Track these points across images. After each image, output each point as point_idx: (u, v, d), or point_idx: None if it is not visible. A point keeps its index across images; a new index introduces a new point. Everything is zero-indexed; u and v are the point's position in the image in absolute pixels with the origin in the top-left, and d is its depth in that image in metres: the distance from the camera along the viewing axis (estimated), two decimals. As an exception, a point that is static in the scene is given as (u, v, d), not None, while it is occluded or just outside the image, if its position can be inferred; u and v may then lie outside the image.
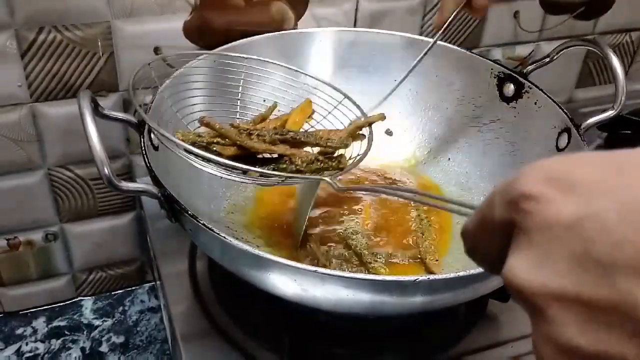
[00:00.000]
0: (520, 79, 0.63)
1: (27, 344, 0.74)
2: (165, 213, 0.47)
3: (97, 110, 0.47)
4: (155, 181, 0.47)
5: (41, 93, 0.63)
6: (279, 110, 0.59)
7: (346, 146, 0.53)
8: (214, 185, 0.63)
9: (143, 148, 0.50)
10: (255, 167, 0.49)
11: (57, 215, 0.71)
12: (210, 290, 0.60)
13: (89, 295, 0.78)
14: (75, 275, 0.76)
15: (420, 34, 0.75)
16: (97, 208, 0.72)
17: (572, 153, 0.24)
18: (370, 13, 0.72)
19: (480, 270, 0.42)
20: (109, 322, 0.77)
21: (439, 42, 0.68)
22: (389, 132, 0.69)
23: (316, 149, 0.53)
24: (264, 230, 0.60)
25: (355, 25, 0.72)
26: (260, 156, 0.52)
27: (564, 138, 0.57)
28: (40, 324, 0.75)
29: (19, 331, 0.74)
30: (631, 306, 0.19)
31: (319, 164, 0.51)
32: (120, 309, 0.78)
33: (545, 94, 0.61)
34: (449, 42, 0.75)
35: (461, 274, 0.42)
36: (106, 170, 0.42)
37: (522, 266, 0.22)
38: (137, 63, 0.63)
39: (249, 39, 0.64)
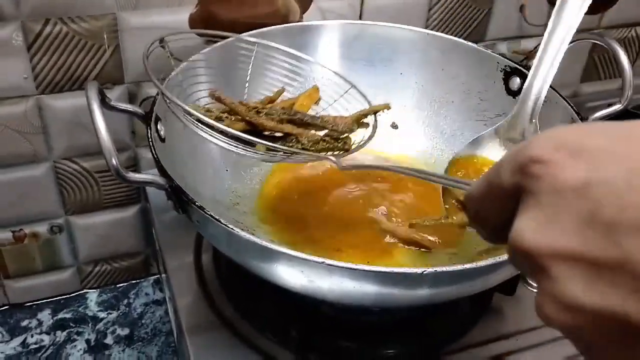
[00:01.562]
0: (527, 72, 0.63)
1: (32, 336, 0.74)
2: (173, 204, 0.47)
3: (104, 102, 0.47)
4: (163, 172, 0.47)
5: (47, 85, 0.63)
6: (284, 97, 0.59)
7: (351, 131, 0.54)
8: (221, 177, 0.63)
9: (150, 139, 0.50)
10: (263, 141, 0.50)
11: (63, 208, 0.71)
12: (216, 282, 0.60)
13: (94, 288, 0.78)
14: (80, 267, 0.76)
15: (426, 27, 0.75)
16: (102, 200, 0.72)
17: (582, 123, 0.24)
18: (376, 6, 0.71)
19: (488, 262, 0.42)
20: (114, 314, 0.77)
21: (445, 35, 0.68)
22: (394, 126, 0.69)
23: (322, 133, 0.54)
24: (270, 221, 0.61)
25: (360, 18, 0.72)
26: (267, 134, 0.52)
27: (571, 132, 0.57)
28: (45, 316, 0.75)
29: (24, 323, 0.74)
30: (634, 264, 0.20)
31: (324, 144, 0.52)
32: (125, 301, 0.78)
33: (552, 87, 0.60)
34: (455, 36, 0.75)
35: (468, 266, 0.42)
36: (114, 161, 0.42)
37: (529, 227, 0.23)
38: (142, 55, 0.64)
39: (254, 31, 0.64)
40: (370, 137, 0.53)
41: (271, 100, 0.57)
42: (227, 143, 0.49)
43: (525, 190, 0.24)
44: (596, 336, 0.22)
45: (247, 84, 0.60)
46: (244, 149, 0.49)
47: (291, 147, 0.50)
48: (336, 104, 0.58)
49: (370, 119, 0.55)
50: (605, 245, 0.21)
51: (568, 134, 0.23)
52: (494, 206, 0.27)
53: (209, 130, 0.48)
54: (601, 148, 0.22)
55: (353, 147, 0.53)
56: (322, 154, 0.51)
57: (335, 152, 0.52)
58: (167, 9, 0.63)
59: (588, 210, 0.21)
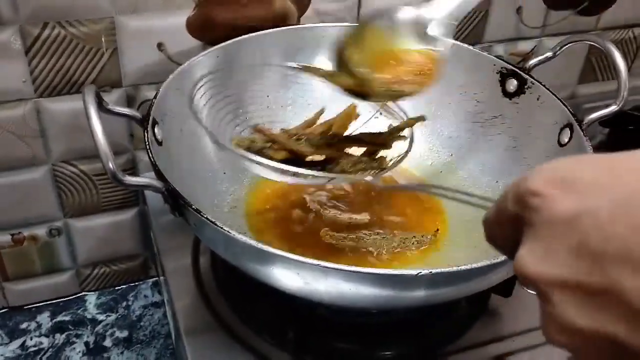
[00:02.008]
0: (523, 74, 0.63)
1: (31, 339, 0.74)
2: (169, 207, 0.48)
3: (101, 106, 0.47)
4: (159, 176, 0.47)
5: (45, 88, 0.63)
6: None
7: (389, 145, 0.56)
8: (218, 180, 0.63)
9: (147, 143, 0.50)
10: (303, 168, 0.52)
11: (61, 211, 0.71)
12: (213, 285, 0.60)
13: (93, 290, 0.78)
14: (79, 270, 0.76)
15: (423, 30, 0.75)
16: (100, 203, 0.72)
17: (578, 155, 0.27)
18: (373, 8, 0.72)
19: (482, 263, 0.43)
20: (113, 317, 0.77)
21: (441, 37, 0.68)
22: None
23: (360, 151, 0.56)
24: (267, 224, 0.61)
25: (358, 20, 0.72)
26: (309, 159, 0.54)
27: (566, 133, 0.58)
28: (44, 318, 0.75)
29: (24, 326, 0.74)
30: (619, 291, 0.22)
31: (362, 165, 0.54)
32: (124, 304, 0.78)
33: (548, 89, 0.61)
34: (452, 38, 0.75)
35: (463, 267, 0.42)
36: (110, 165, 0.43)
37: (529, 257, 0.25)
38: (140, 59, 0.64)
39: (252, 34, 0.64)
40: (407, 152, 0.55)
41: (310, 124, 0.58)
42: (272, 174, 0.51)
43: (525, 221, 0.26)
44: (593, 355, 0.24)
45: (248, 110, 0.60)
46: (289, 177, 0.51)
47: (331, 170, 0.53)
48: (372, 121, 0.59)
49: (407, 132, 0.57)
50: (593, 273, 0.23)
51: (563, 167, 0.26)
52: (502, 231, 0.29)
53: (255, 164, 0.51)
54: (589, 181, 0.25)
55: (389, 164, 0.55)
56: (360, 174, 0.54)
57: (373, 172, 0.54)
58: (165, 12, 0.63)
59: (577, 241, 0.24)
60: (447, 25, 0.54)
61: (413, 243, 0.60)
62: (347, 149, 0.56)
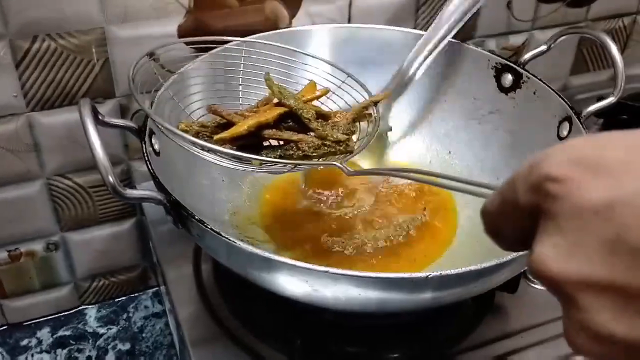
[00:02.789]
0: (518, 69, 0.63)
1: (32, 355, 0.73)
2: (172, 219, 0.47)
3: (97, 118, 0.46)
4: (160, 187, 0.46)
5: (37, 102, 0.62)
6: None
7: (352, 133, 0.52)
8: (216, 188, 0.62)
9: (145, 154, 0.49)
10: (262, 154, 0.49)
11: (58, 225, 0.70)
12: (216, 293, 0.59)
13: (93, 304, 0.77)
14: (78, 283, 0.75)
15: (415, 27, 0.75)
16: (97, 215, 0.71)
17: (599, 133, 0.23)
18: (365, 8, 0.71)
19: (490, 263, 0.42)
20: (114, 329, 0.76)
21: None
22: (388, 128, 0.69)
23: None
24: (269, 229, 0.60)
25: (349, 21, 0.72)
26: (266, 143, 0.51)
27: (565, 127, 0.57)
28: (44, 334, 0.74)
29: (24, 342, 0.74)
30: None
31: (326, 148, 0.50)
32: (125, 315, 0.77)
33: (544, 83, 0.61)
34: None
35: (472, 268, 0.42)
36: (111, 179, 0.42)
37: (552, 254, 0.22)
38: (128, 78, 0.63)
39: (244, 38, 0.64)
40: (373, 133, 0.52)
41: (267, 102, 0.56)
42: (225, 162, 0.48)
43: (544, 211, 0.23)
44: None
45: (240, 88, 0.59)
46: (243, 165, 0.48)
47: (291, 155, 0.49)
48: (336, 98, 0.57)
49: (372, 110, 0.54)
50: (633, 273, 0.20)
51: (584, 147, 0.22)
52: (509, 223, 0.26)
53: (205, 151, 0.48)
54: (622, 162, 0.21)
55: (356, 147, 0.52)
56: (325, 159, 0.50)
57: (338, 156, 0.51)
58: (156, 20, 0.62)
59: (613, 235, 0.20)
60: None
61: (406, 228, 0.60)
62: (308, 131, 0.51)
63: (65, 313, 0.76)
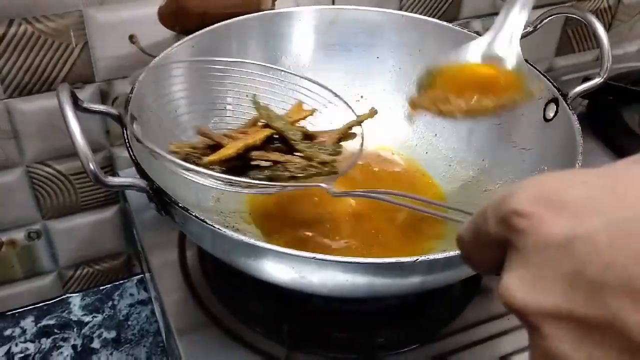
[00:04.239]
0: (504, 50, 0.62)
1: (16, 345, 0.72)
2: (155, 206, 0.46)
3: (77, 104, 0.45)
4: (143, 174, 0.46)
5: (15, 88, 0.61)
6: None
7: (338, 154, 0.53)
8: (200, 173, 0.61)
9: (127, 141, 0.48)
10: (249, 175, 0.51)
11: (39, 213, 0.69)
12: (202, 279, 0.59)
13: (77, 292, 0.76)
14: (61, 272, 0.74)
15: (400, 9, 0.74)
16: (79, 203, 0.70)
17: (566, 170, 0.25)
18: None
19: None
20: (99, 317, 0.75)
21: (420, 16, 0.67)
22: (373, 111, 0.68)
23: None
24: (254, 214, 0.60)
25: (334, 3, 0.71)
26: (255, 163, 0.52)
27: (552, 108, 0.57)
28: (28, 323, 0.74)
29: (8, 332, 0.73)
30: (620, 325, 0.20)
31: (312, 169, 0.52)
32: (110, 303, 0.76)
33: (531, 64, 0.60)
34: (430, 15, 0.74)
35: (459, 252, 0.41)
36: (92, 166, 0.41)
37: (516, 286, 0.23)
38: (112, 52, 0.62)
39: (226, 21, 0.63)
40: (358, 155, 0.53)
41: (255, 122, 0.56)
42: (216, 184, 0.49)
43: (510, 243, 0.24)
44: None
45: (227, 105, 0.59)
46: (233, 188, 0.50)
47: (279, 176, 0.51)
48: (321, 117, 0.57)
49: (357, 129, 0.55)
50: (592, 305, 0.21)
51: (549, 184, 0.23)
52: (481, 252, 0.27)
53: (195, 174, 0.49)
54: (583, 200, 0.22)
55: (341, 167, 0.53)
56: (311, 179, 0.52)
57: (324, 177, 0.52)
58: (135, 3, 0.61)
59: (572, 269, 0.21)
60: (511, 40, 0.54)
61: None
62: (295, 152, 0.53)
63: (49, 302, 0.75)
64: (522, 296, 0.22)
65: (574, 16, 0.59)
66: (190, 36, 0.61)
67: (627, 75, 0.85)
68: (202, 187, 0.60)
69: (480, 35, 0.64)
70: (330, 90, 0.57)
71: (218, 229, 0.42)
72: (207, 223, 0.42)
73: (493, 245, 0.25)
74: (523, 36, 0.63)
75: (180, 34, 0.64)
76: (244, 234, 0.42)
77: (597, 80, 0.57)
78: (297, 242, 0.57)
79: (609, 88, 0.80)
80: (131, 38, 0.63)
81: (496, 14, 0.80)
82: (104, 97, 0.65)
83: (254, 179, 0.50)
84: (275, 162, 0.52)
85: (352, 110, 0.56)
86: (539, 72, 0.59)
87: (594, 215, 0.22)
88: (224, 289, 0.58)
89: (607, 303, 0.20)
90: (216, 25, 0.62)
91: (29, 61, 0.60)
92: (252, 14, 0.64)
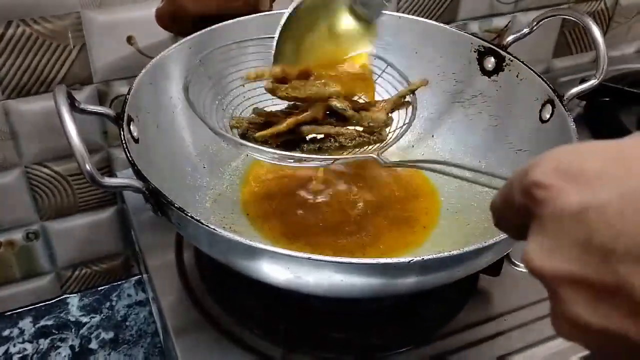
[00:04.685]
0: (501, 52, 0.62)
1: (14, 346, 0.73)
2: (151, 207, 0.46)
3: (74, 106, 0.45)
4: (139, 175, 0.46)
5: (13, 89, 0.61)
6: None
7: (387, 125, 0.54)
8: (198, 175, 0.62)
9: (124, 142, 0.48)
10: (303, 147, 0.52)
11: (37, 214, 0.69)
12: (199, 280, 0.59)
13: (75, 293, 0.76)
14: (59, 273, 0.74)
15: (397, 10, 0.74)
16: (77, 204, 0.70)
17: (584, 142, 0.26)
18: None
19: (473, 247, 0.42)
20: (97, 318, 0.76)
21: (417, 18, 0.67)
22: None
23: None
24: (251, 215, 0.60)
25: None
26: (309, 137, 0.53)
27: (548, 109, 0.57)
28: (26, 324, 0.74)
29: (6, 333, 0.73)
30: (629, 289, 0.22)
31: (361, 139, 0.53)
32: (108, 304, 0.77)
33: (527, 66, 0.60)
34: (427, 18, 0.75)
35: (454, 252, 0.42)
36: (88, 167, 0.41)
37: (536, 252, 0.25)
38: (110, 54, 0.63)
39: (224, 23, 0.63)
40: (410, 122, 0.54)
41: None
42: (269, 158, 0.51)
43: (532, 213, 0.26)
44: (608, 350, 0.24)
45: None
46: (285, 162, 0.52)
47: (329, 147, 0.52)
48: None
49: (409, 98, 0.55)
50: (602, 270, 0.22)
51: (567, 157, 0.25)
52: (510, 219, 0.29)
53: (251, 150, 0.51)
54: (596, 172, 0.24)
55: (390, 136, 0.54)
56: (362, 150, 0.52)
57: (373, 146, 0.53)
58: (133, 4, 0.61)
59: (585, 237, 0.23)
60: None
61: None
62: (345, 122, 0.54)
63: (47, 302, 0.75)
64: (541, 262, 0.24)
65: (571, 18, 0.59)
66: (188, 37, 0.61)
67: (624, 77, 0.85)
68: (199, 188, 0.61)
69: (477, 37, 0.64)
70: (383, 59, 0.58)
71: (213, 229, 0.42)
72: (202, 224, 0.42)
73: (518, 213, 0.27)
74: (520, 38, 0.64)
75: (178, 35, 0.64)
76: (240, 235, 0.42)
77: (593, 82, 0.57)
78: (294, 242, 0.57)
79: (606, 89, 0.81)
80: (129, 39, 0.63)
81: (493, 15, 0.81)
82: (101, 98, 0.65)
83: (304, 152, 0.52)
84: (327, 135, 0.53)
85: (404, 77, 0.57)
86: (536, 73, 0.59)
87: (606, 186, 0.23)
88: (221, 289, 0.58)
89: (616, 269, 0.22)
90: (214, 26, 0.62)
91: (27, 62, 0.60)
92: (249, 16, 0.64)
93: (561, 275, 0.24)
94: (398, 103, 0.56)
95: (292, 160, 0.51)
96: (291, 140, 0.53)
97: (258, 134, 0.52)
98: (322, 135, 0.53)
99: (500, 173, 0.41)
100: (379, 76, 0.59)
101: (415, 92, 0.56)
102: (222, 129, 0.52)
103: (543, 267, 0.24)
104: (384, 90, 0.59)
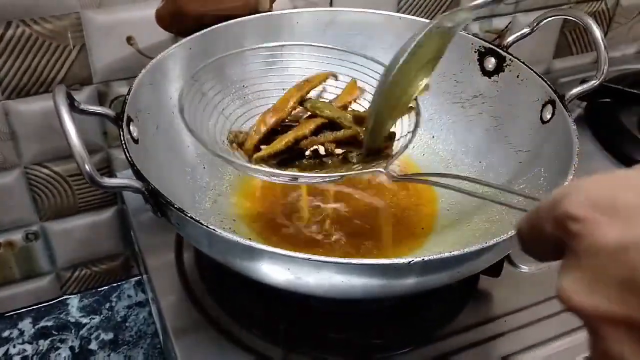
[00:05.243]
0: (501, 52, 0.62)
1: (14, 346, 0.72)
2: (151, 207, 0.46)
3: (73, 106, 0.45)
4: (139, 176, 0.46)
5: (13, 90, 0.61)
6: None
7: (391, 139, 0.53)
8: (197, 175, 0.62)
9: (123, 142, 0.48)
10: (302, 161, 0.52)
11: (37, 214, 0.69)
12: (199, 281, 0.59)
13: (75, 293, 0.76)
14: (59, 273, 0.74)
15: (398, 11, 0.74)
16: (77, 204, 0.70)
17: (614, 172, 0.25)
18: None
19: (473, 248, 0.42)
20: (97, 319, 0.75)
21: (417, 18, 0.67)
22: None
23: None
24: (251, 216, 0.60)
25: (331, 5, 0.71)
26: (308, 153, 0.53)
27: (549, 110, 0.57)
28: (26, 325, 0.74)
29: (5, 334, 0.73)
30: None
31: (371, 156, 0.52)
32: (107, 305, 0.76)
33: (528, 66, 0.60)
34: (427, 18, 0.75)
35: (454, 252, 0.41)
36: (87, 168, 0.41)
37: (573, 288, 0.24)
38: (110, 54, 0.62)
39: (224, 23, 0.63)
40: (414, 132, 0.52)
41: (309, 86, 0.57)
42: (275, 179, 0.51)
43: (566, 245, 0.25)
44: None
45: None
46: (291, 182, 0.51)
47: (331, 162, 0.52)
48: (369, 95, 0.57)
49: (413, 104, 0.54)
50: None
51: (601, 188, 0.24)
52: (539, 246, 0.28)
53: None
54: (633, 206, 0.23)
55: (394, 150, 0.52)
56: (369, 165, 0.51)
57: (379, 162, 0.51)
58: (133, 4, 0.61)
59: (626, 275, 0.22)
60: None
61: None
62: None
63: (47, 303, 0.75)
64: (579, 298, 0.24)
65: (571, 18, 0.59)
66: (188, 38, 0.61)
67: (625, 77, 0.85)
68: (199, 188, 0.60)
69: (477, 38, 0.64)
70: (382, 64, 0.56)
71: (213, 229, 0.42)
72: (202, 224, 0.42)
73: (550, 242, 0.26)
74: (520, 38, 0.64)
75: (178, 35, 0.64)
76: (240, 236, 0.42)
77: (593, 83, 0.57)
78: (293, 243, 0.57)
79: (607, 90, 0.80)
80: (129, 40, 0.63)
81: (494, 16, 0.81)
82: (101, 99, 0.65)
83: (305, 168, 0.51)
84: (327, 153, 0.53)
85: None
86: (536, 73, 0.59)
87: None
88: (221, 290, 0.58)
89: None
90: (214, 27, 0.62)
91: (26, 63, 0.60)
92: (249, 16, 0.64)
93: (602, 313, 0.23)
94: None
95: (295, 179, 0.51)
96: (290, 157, 0.53)
97: (257, 155, 0.52)
98: (322, 152, 0.53)
99: (520, 190, 0.40)
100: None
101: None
102: (221, 148, 0.51)
103: (583, 304, 0.23)
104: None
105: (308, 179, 0.52)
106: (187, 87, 0.52)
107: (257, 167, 0.51)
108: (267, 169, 0.50)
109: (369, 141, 0.52)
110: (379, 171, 0.49)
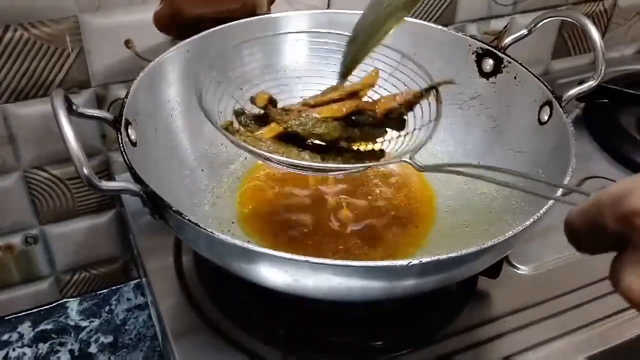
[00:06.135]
0: (499, 53, 0.62)
1: (14, 350, 0.72)
2: (149, 210, 0.46)
3: (71, 109, 0.45)
4: (137, 178, 0.46)
5: (11, 93, 0.61)
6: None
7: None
8: (196, 178, 0.62)
9: (121, 145, 0.48)
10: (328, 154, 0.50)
11: (36, 218, 0.69)
12: (198, 284, 0.59)
13: (74, 297, 0.76)
14: (58, 277, 0.74)
15: (395, 13, 0.74)
16: (76, 208, 0.70)
17: None
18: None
19: (471, 249, 0.42)
20: (96, 322, 0.75)
21: (415, 20, 0.67)
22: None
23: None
24: (249, 219, 0.60)
25: (329, 7, 0.71)
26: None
27: (546, 111, 0.57)
28: (25, 328, 0.74)
29: (5, 337, 0.73)
30: None
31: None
32: (107, 308, 0.76)
33: (525, 67, 0.60)
34: (425, 20, 0.75)
35: (453, 254, 0.41)
36: (85, 171, 0.41)
37: (638, 285, 0.24)
38: (108, 57, 0.63)
39: (222, 26, 0.63)
40: (436, 121, 0.51)
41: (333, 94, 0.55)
42: (295, 170, 0.49)
43: (631, 241, 0.25)
44: None
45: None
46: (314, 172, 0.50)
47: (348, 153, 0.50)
48: (388, 84, 0.56)
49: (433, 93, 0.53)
50: None
51: None
52: (594, 240, 0.28)
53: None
54: None
55: (420, 136, 0.51)
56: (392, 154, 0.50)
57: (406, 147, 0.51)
58: (131, 7, 0.61)
59: None
60: None
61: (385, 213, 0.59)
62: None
63: (46, 307, 0.75)
64: None
65: (569, 19, 0.59)
66: (186, 40, 0.61)
67: (623, 78, 0.85)
68: (197, 191, 0.61)
69: (475, 39, 0.64)
70: (400, 51, 0.56)
71: (211, 232, 0.42)
72: (200, 227, 0.42)
73: (609, 236, 0.26)
74: (518, 39, 0.64)
75: (176, 38, 0.64)
76: (238, 238, 0.42)
77: (591, 83, 0.57)
78: (292, 246, 0.57)
79: (605, 91, 0.81)
80: (127, 43, 0.63)
81: (492, 17, 0.81)
82: (100, 102, 0.65)
83: (325, 160, 0.50)
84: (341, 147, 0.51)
85: (426, 72, 0.54)
86: (534, 75, 0.59)
87: None
88: (220, 293, 0.58)
89: None
90: (212, 29, 0.62)
91: (25, 66, 0.60)
92: (247, 19, 0.64)
93: None
94: (413, 99, 0.53)
95: (314, 171, 0.49)
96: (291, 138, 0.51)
97: (258, 133, 0.50)
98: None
99: (557, 182, 0.40)
100: (396, 69, 0.57)
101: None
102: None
103: None
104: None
105: (332, 169, 0.50)
106: (203, 76, 0.51)
107: (279, 157, 0.48)
108: (287, 160, 0.48)
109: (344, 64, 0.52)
110: (405, 161, 0.48)
